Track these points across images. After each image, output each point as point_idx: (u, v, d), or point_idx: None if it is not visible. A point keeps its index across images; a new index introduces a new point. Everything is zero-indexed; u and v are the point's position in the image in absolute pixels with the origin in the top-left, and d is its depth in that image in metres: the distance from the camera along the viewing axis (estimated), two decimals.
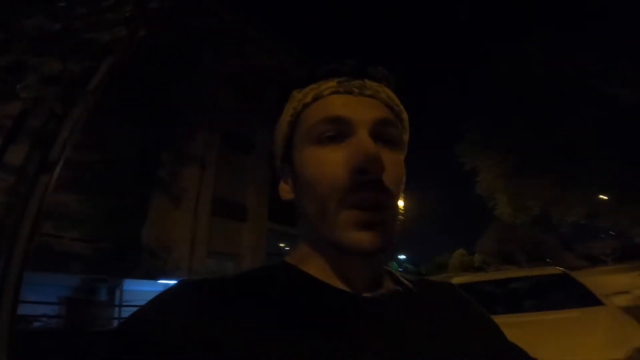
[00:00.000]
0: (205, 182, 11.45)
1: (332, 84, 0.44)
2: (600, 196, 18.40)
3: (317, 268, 0.44)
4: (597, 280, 20.65)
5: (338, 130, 0.42)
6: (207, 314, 0.36)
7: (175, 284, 0.40)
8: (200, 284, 0.40)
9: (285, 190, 0.49)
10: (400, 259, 58.46)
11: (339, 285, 0.43)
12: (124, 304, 9.32)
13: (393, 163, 0.42)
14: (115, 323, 9.10)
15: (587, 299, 3.83)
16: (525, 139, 14.97)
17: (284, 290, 0.41)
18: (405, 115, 0.49)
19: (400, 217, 0.43)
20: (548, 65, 12.90)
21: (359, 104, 0.43)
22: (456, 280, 5.56)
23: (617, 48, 10.65)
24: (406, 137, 0.50)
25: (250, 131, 14.26)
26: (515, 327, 1.94)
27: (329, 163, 0.41)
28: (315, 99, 0.44)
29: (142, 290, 9.10)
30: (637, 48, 10.13)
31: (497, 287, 4.72)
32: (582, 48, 11.89)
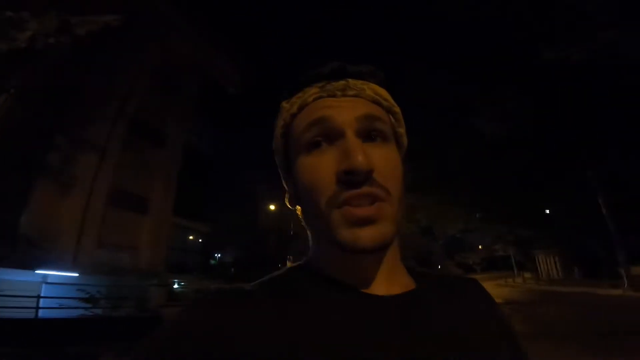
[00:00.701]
0: (103, 172, 10.89)
1: (315, 90, 0.45)
2: (477, 215, 22.14)
3: (328, 270, 0.44)
4: None
5: (324, 133, 0.42)
6: (226, 327, 0.37)
7: (193, 301, 0.41)
8: (217, 296, 0.41)
9: (290, 200, 0.49)
10: None
11: (352, 284, 0.43)
12: None
13: (383, 157, 0.42)
14: None
15: None
16: (417, 161, 17.15)
17: (300, 295, 0.41)
18: (397, 109, 0.48)
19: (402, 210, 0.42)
20: (429, 99, 15.13)
21: (343, 105, 0.43)
22: None
23: (487, 85, 12.86)
24: (401, 130, 0.49)
25: (164, 123, 13.90)
26: None
27: (319, 169, 0.41)
28: (301, 108, 0.45)
29: (18, 280, 8.44)
30: (498, 86, 12.21)
31: None
32: (460, 81, 14.15)
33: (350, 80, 0.45)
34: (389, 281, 0.44)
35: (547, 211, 18.83)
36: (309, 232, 0.47)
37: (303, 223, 0.47)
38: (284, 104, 0.48)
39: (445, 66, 15.33)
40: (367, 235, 0.38)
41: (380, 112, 0.45)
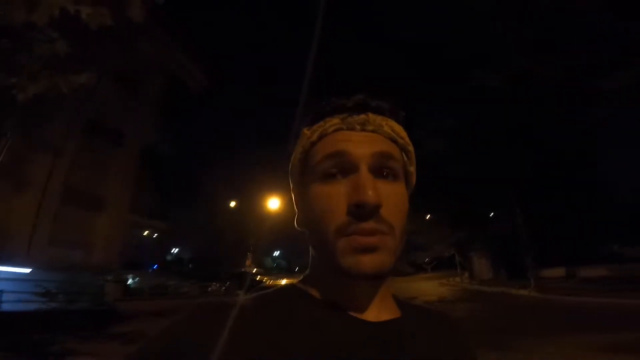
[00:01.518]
0: (57, 170, 11.08)
1: (336, 121, 0.47)
2: (426, 217, 23.90)
3: (324, 293, 0.46)
4: (409, 285, 26.40)
5: (340, 166, 0.44)
6: (218, 341, 0.38)
7: (188, 310, 0.42)
8: (210, 309, 0.42)
9: (299, 222, 0.51)
10: (274, 255, 60.67)
11: (344, 308, 0.45)
12: None
13: (392, 194, 0.44)
14: None
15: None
16: None
17: (293, 313, 0.43)
18: (411, 148, 0.50)
19: (401, 244, 0.45)
20: None
21: (361, 139, 0.45)
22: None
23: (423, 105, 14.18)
24: (412, 168, 0.51)
25: (122, 123, 14.05)
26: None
27: (331, 198, 0.43)
28: (321, 137, 0.47)
29: None
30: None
31: None
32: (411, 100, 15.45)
33: (370, 114, 0.47)
34: (380, 308, 0.47)
35: (492, 214, 20.81)
36: (310, 254, 0.50)
37: (309, 245, 0.49)
38: (305, 131, 0.50)
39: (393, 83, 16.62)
40: (368, 262, 0.41)
41: (394, 150, 0.47)
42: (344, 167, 0.45)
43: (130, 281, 19.43)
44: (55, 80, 4.51)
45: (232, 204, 27.20)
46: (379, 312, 0.47)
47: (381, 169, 0.45)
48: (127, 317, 10.34)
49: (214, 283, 21.59)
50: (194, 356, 0.37)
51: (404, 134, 0.50)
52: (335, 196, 0.43)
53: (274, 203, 16.30)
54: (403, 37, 12.45)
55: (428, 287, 22.99)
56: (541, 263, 15.70)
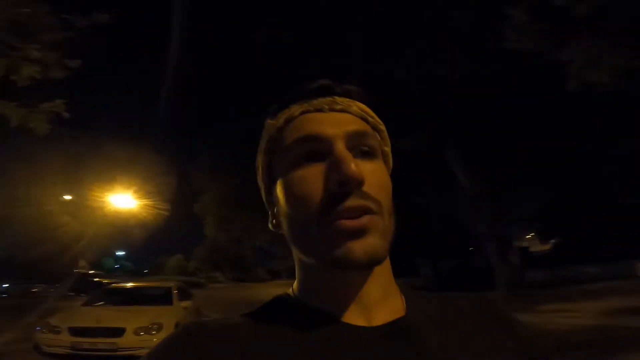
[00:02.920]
0: None
1: (302, 104, 0.44)
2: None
3: (314, 295, 0.43)
4: (262, 290, 28.32)
5: (313, 149, 0.41)
6: (209, 356, 0.36)
7: (179, 328, 0.40)
8: (202, 328, 0.40)
9: (274, 223, 0.48)
10: (117, 255, 54.44)
11: (336, 311, 0.41)
12: None
13: (373, 171, 0.41)
14: None
15: (168, 300, 7.17)
16: (233, 178, 19.44)
17: (280, 326, 0.40)
18: (382, 127, 0.48)
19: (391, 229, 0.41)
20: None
21: (331, 119, 0.42)
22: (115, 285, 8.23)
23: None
24: (387, 148, 0.48)
25: None
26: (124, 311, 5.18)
27: (309, 182, 0.39)
28: (288, 121, 0.44)
29: None
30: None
31: (128, 291, 7.64)
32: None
33: (336, 97, 0.45)
34: (380, 305, 0.42)
35: None
36: (294, 256, 0.45)
37: (290, 245, 0.44)
38: (269, 121, 0.47)
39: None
40: (359, 248, 0.36)
41: (367, 128, 0.44)
42: (317, 150, 0.41)
43: None
44: None
45: (68, 197, 24.16)
46: (378, 310, 0.42)
47: (358, 147, 0.42)
48: None
49: (42, 284, 19.01)
50: None
51: (373, 113, 0.47)
52: (311, 181, 0.39)
53: (119, 199, 15.54)
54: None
55: (275, 292, 25.12)
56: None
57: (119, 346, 5.41)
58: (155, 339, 5.57)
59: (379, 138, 0.47)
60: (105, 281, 24.45)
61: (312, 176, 0.40)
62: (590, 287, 10.84)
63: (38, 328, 5.80)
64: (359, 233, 0.37)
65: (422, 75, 9.33)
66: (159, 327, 5.79)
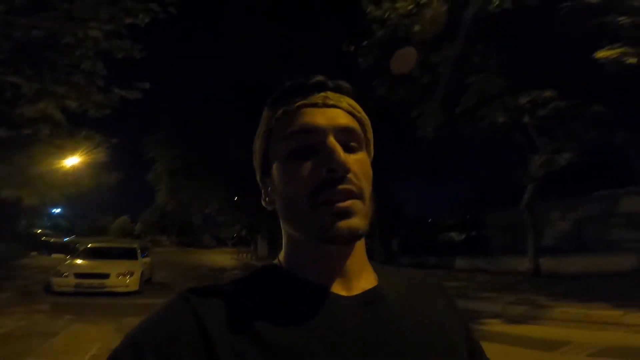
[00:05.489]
0: None
1: (298, 98, 0.49)
2: (235, 198, 28.43)
3: (299, 266, 0.48)
4: (206, 256, 30.70)
5: (308, 139, 0.46)
6: (207, 325, 0.40)
7: (176, 294, 0.45)
8: (196, 294, 0.44)
9: (267, 201, 0.53)
10: (53, 213, 52.60)
11: (319, 280, 0.47)
12: None
13: (358, 162, 0.46)
14: None
15: (134, 256, 9.99)
16: (187, 150, 21.38)
17: (267, 293, 0.46)
18: (367, 121, 0.53)
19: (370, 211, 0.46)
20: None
21: (324, 114, 0.47)
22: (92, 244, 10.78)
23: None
24: (370, 140, 0.54)
25: None
26: (106, 263, 8.61)
27: (302, 169, 0.45)
28: (285, 113, 0.49)
29: None
30: None
31: (104, 250, 10.33)
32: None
33: (329, 92, 0.50)
34: (357, 277, 0.49)
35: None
36: (283, 230, 0.51)
37: (281, 220, 0.50)
38: (268, 111, 0.52)
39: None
40: (344, 225, 0.42)
41: (354, 123, 0.50)
42: (311, 140, 0.46)
43: None
44: None
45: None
46: (356, 281, 0.49)
47: (346, 141, 0.47)
48: None
49: None
50: (186, 344, 0.39)
51: (360, 108, 0.53)
52: (305, 168, 0.45)
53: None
54: None
55: (219, 259, 27.80)
56: None
57: (106, 285, 8.39)
58: (128, 280, 8.68)
59: (364, 130, 0.52)
60: (52, 240, 25.46)
61: (306, 164, 0.45)
62: None
63: (52, 274, 8.54)
64: (345, 214, 0.43)
65: None
66: (131, 273, 8.84)
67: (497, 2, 6.68)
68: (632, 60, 5.40)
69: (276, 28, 11.67)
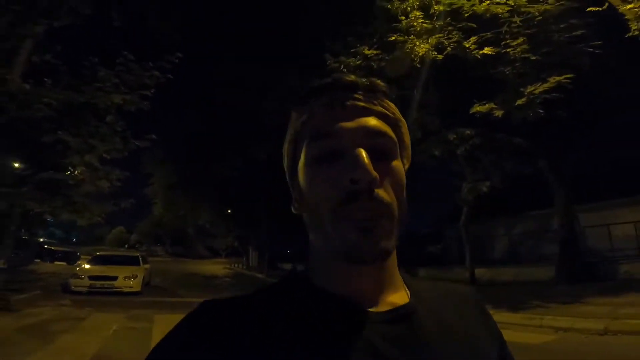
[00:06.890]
0: None
1: (326, 99, 0.46)
2: (229, 210, 30.26)
3: (327, 279, 0.45)
4: (200, 266, 32.41)
5: (333, 145, 0.43)
6: (230, 337, 0.39)
7: (199, 305, 0.43)
8: (220, 305, 0.43)
9: (296, 207, 0.50)
10: (48, 221, 53.80)
11: (348, 296, 0.44)
12: None
13: (388, 172, 0.43)
14: None
15: (137, 262, 11.89)
16: (184, 165, 23.25)
17: (295, 306, 0.43)
18: (403, 122, 0.50)
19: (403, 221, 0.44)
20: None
21: (352, 116, 0.44)
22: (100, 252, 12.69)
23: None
24: (406, 143, 0.51)
25: None
26: (114, 268, 10.68)
27: (325, 178, 0.42)
28: (311, 116, 0.46)
29: None
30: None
31: (111, 257, 12.18)
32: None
33: (359, 93, 0.47)
34: (386, 293, 0.46)
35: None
36: (310, 238, 0.48)
37: (308, 229, 0.47)
38: (295, 113, 0.49)
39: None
40: (366, 245, 0.39)
41: (386, 127, 0.46)
42: (336, 146, 0.43)
43: None
44: None
45: None
46: (385, 297, 0.46)
47: (374, 147, 0.43)
48: None
49: None
50: (214, 349, 0.38)
51: (395, 109, 0.49)
52: (329, 176, 0.42)
53: None
54: None
55: (213, 268, 29.40)
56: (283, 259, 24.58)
57: (114, 286, 10.27)
58: (132, 282, 10.55)
59: (398, 133, 0.48)
60: (54, 248, 26.97)
61: (329, 172, 0.42)
62: None
63: (70, 276, 10.41)
64: (369, 231, 0.40)
65: None
66: (135, 277, 10.73)
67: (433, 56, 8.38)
68: (499, 113, 7.22)
69: (251, 67, 13.11)
